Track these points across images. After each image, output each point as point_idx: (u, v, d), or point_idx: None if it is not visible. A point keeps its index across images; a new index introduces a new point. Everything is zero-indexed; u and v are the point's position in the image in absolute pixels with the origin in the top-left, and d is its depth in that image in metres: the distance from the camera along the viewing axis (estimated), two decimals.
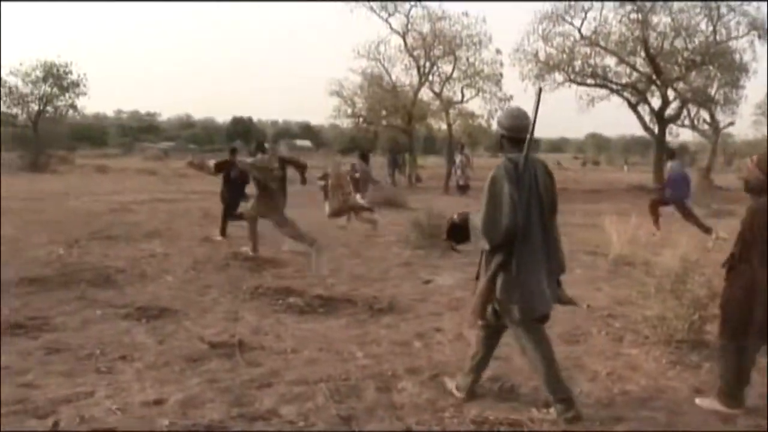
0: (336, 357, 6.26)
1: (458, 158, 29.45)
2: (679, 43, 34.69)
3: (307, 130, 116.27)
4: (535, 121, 4.80)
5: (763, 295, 4.95)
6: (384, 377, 5.73)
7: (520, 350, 5.07)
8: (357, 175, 17.55)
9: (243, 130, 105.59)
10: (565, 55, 36.02)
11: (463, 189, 28.18)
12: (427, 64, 38.70)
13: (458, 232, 5.19)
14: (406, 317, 7.76)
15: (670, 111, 36.15)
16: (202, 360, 6.11)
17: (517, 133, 4.87)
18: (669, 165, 16.06)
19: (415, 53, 38.68)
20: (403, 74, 40.10)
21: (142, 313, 7.62)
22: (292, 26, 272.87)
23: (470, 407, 5.13)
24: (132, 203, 21.81)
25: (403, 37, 38.64)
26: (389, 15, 38.61)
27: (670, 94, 35.63)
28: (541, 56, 36.36)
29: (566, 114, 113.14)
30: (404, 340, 6.87)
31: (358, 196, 16.40)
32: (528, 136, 4.78)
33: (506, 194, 4.71)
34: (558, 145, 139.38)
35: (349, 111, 40.52)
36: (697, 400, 5.36)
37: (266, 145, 12.60)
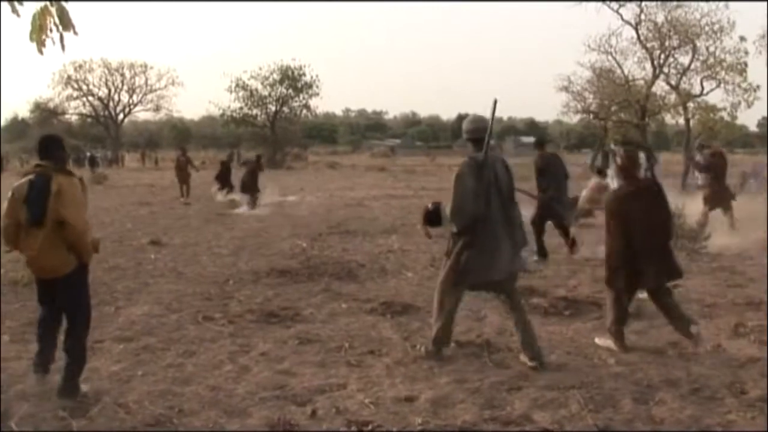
0: (586, 362, 5.99)
1: (698, 157, 27.42)
2: None
3: (532, 127, 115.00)
4: (491, 127, 5.98)
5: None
6: (640, 387, 5.40)
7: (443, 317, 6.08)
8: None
9: None
10: None
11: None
12: (662, 56, 36.88)
13: (433, 218, 6.25)
14: (655, 323, 7.28)
15: None
16: (450, 359, 6.08)
17: (475, 134, 6.00)
18: None
19: (649, 45, 37.01)
20: (635, 67, 38.53)
21: (387, 309, 7.76)
22: (516, 22, 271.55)
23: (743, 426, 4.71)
24: (365, 199, 22.55)
25: (636, 28, 37.12)
26: (620, 5, 37.16)
27: None
28: None
29: None
30: (657, 347, 6.46)
31: None
32: (486, 138, 5.90)
33: (470, 187, 5.81)
34: None
35: (579, 107, 39.53)
36: (596, 340, 6.55)
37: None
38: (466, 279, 5.96)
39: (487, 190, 5.87)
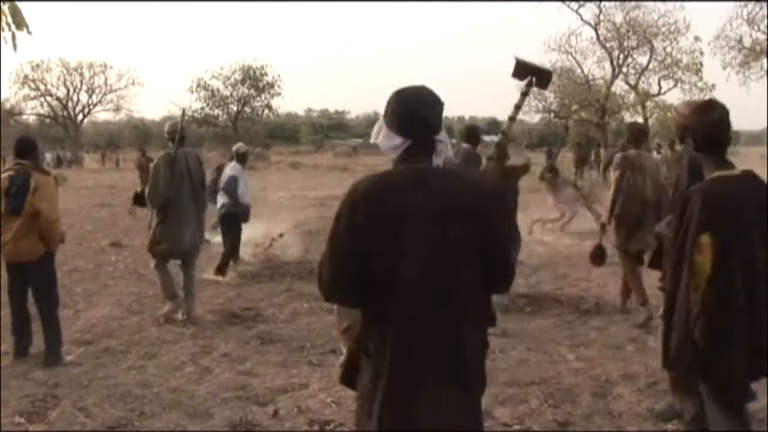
0: (546, 358, 6.07)
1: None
2: None
3: (494, 126, 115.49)
4: (180, 128, 7.58)
5: None
6: (599, 382, 5.49)
7: (160, 276, 7.60)
8: None
9: None
10: None
11: None
12: (621, 56, 37.39)
13: (141, 198, 7.68)
14: (615, 319, 7.42)
15: None
16: None
17: (171, 135, 7.60)
18: None
19: (608, 45, 37.48)
20: (595, 67, 39.02)
21: None
22: (476, 20, 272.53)
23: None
24: (327, 198, 22.49)
25: (595, 28, 37.58)
26: (579, 6, 37.61)
27: None
28: (746, 42, 34.05)
29: None
30: (616, 343, 6.56)
31: None
32: (177, 137, 7.49)
33: (162, 175, 7.32)
34: (760, 138, 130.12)
35: (540, 106, 39.89)
36: None
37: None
38: (160, 248, 7.45)
39: (179, 178, 7.38)
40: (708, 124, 3.50)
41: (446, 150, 2.73)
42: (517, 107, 4.41)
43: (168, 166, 7.38)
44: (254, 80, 62.12)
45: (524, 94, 4.34)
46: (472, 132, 7.99)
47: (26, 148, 6.16)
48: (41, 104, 72.44)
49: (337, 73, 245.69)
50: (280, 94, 63.11)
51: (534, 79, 4.25)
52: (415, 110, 2.64)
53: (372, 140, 2.80)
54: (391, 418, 2.55)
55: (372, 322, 2.61)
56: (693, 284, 3.32)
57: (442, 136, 2.69)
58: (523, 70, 4.32)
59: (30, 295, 6.24)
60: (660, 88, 37.21)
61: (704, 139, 3.51)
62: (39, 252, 5.99)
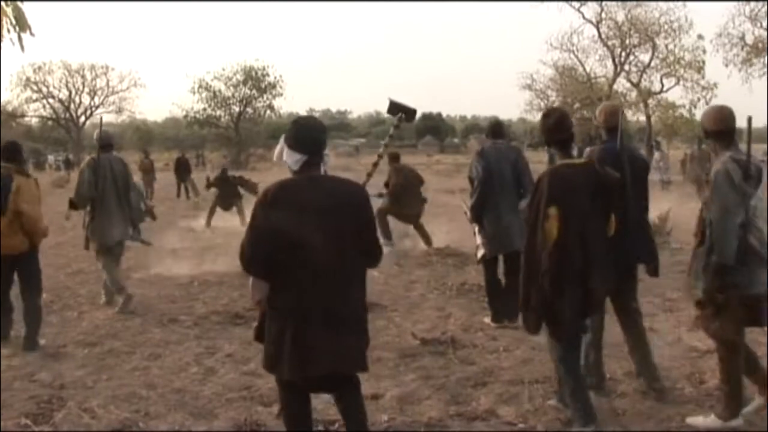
0: (550, 357, 6.05)
1: (657, 154, 27.86)
2: None
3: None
4: (103, 136, 8.31)
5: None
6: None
7: (103, 268, 8.24)
8: None
9: (432, 126, 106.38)
10: None
11: (666, 184, 26.73)
12: (623, 54, 37.35)
13: (74, 205, 8.21)
14: (613, 317, 7.38)
15: None
16: (415, 356, 6.12)
17: (99, 142, 8.27)
18: None
19: (610, 43, 37.47)
20: (597, 65, 38.99)
21: None
22: (477, 20, 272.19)
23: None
24: None
25: (597, 26, 37.55)
26: (581, 4, 37.57)
27: None
28: (749, 39, 33.99)
29: None
30: (619, 342, 6.51)
31: None
32: (98, 144, 8.24)
33: (87, 178, 8.03)
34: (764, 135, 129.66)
35: (542, 104, 39.82)
36: None
37: None
38: (98, 242, 8.13)
39: (102, 181, 8.05)
40: (546, 127, 4.55)
41: (329, 161, 3.97)
42: (391, 136, 6.22)
43: (92, 170, 8.11)
44: (256, 81, 62.03)
45: (396, 127, 6.02)
46: (499, 127, 7.37)
47: (13, 152, 6.66)
48: (43, 106, 72.27)
49: (338, 74, 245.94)
50: (282, 94, 63.05)
51: (403, 116, 6.00)
52: (310, 134, 3.82)
53: (275, 159, 3.86)
54: (298, 357, 3.56)
55: (280, 288, 3.61)
56: (543, 246, 4.29)
57: (327, 151, 3.94)
58: (395, 108, 6.05)
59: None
60: (662, 85, 37.27)
61: (548, 138, 4.60)
62: (25, 246, 6.56)
